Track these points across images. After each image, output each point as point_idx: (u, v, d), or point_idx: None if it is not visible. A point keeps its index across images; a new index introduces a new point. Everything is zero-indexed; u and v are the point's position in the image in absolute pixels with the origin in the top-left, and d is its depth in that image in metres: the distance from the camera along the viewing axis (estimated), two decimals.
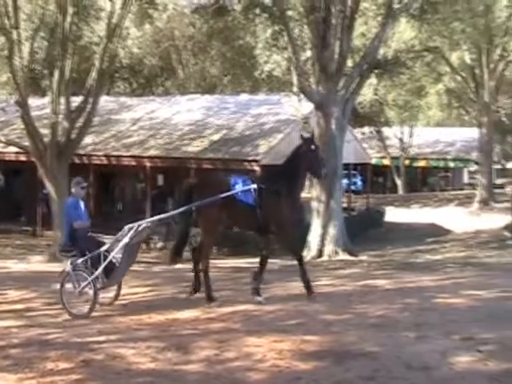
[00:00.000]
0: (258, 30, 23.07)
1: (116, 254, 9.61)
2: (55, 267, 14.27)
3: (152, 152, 26.46)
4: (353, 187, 42.55)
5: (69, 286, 9.56)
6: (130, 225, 9.74)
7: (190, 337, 7.66)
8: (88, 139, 25.30)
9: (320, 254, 19.49)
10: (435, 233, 29.71)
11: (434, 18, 22.10)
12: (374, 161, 47.90)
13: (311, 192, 21.43)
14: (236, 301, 9.86)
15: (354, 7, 20.61)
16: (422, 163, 58.40)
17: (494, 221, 31.15)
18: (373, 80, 28.80)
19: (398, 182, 55.48)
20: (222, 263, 17.43)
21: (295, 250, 10.44)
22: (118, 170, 28.51)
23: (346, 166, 28.30)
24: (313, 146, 10.18)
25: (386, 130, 51.86)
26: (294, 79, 21.25)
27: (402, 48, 28.44)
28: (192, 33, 41.90)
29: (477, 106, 41.10)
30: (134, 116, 31.35)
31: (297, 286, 10.32)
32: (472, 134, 48.36)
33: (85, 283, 9.36)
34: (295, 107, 22.54)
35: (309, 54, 21.28)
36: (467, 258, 16.80)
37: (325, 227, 19.86)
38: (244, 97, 33.26)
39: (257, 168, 23.30)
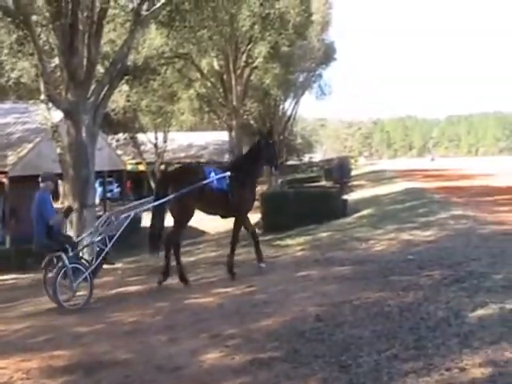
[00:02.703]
0: (2, 34, 21.90)
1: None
2: None
3: None
4: (109, 194, 42.27)
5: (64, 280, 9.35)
6: (125, 214, 10.44)
7: None
8: None
9: None
10: (191, 235, 30.35)
11: (182, 25, 22.63)
12: (129, 167, 48.03)
13: (64, 202, 20.83)
14: None
15: (102, 13, 20.40)
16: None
17: None
18: (125, 87, 28.85)
19: (154, 186, 55.68)
20: None
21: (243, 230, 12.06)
22: None
23: (101, 174, 28.02)
24: (270, 141, 12.03)
25: (140, 136, 52.07)
26: (42, 87, 20.58)
27: (152, 54, 28.85)
28: None
29: (226, 110, 42.82)
30: None
31: (47, 301, 10.04)
32: (223, 137, 50.41)
33: (82, 276, 9.34)
34: (44, 116, 21.83)
35: (57, 60, 20.67)
36: (218, 258, 17.39)
37: (78, 237, 19.36)
38: None
39: (5, 180, 22.21)
